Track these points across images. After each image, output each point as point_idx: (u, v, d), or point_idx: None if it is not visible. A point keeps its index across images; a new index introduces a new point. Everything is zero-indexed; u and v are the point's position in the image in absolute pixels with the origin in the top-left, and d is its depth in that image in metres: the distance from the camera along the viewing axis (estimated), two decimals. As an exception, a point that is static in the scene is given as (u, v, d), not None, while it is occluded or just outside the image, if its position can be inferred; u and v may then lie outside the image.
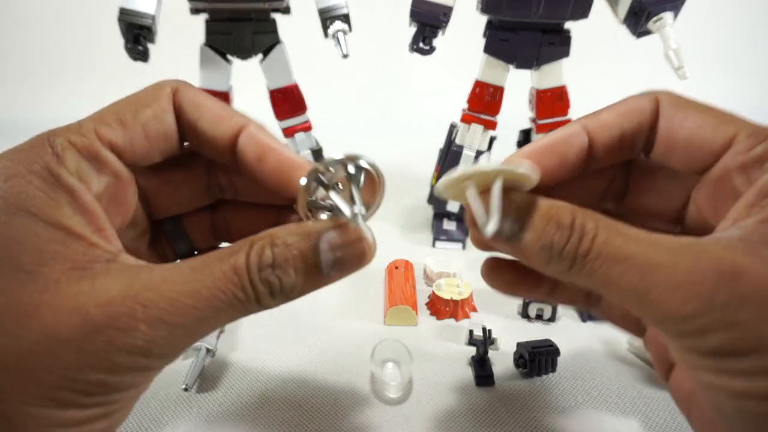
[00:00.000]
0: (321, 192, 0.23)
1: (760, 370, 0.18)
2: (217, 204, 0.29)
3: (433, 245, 0.55)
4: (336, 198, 0.22)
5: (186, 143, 0.25)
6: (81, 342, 0.18)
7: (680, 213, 0.25)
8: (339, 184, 0.22)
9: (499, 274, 0.26)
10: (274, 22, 0.50)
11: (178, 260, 0.22)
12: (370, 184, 0.23)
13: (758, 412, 0.18)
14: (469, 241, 0.54)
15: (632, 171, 0.26)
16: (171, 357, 0.20)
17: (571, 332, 0.42)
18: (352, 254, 0.22)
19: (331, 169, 0.22)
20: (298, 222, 0.22)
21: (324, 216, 0.23)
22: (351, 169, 0.22)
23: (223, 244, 0.30)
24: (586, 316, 0.43)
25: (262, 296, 0.21)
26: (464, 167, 0.21)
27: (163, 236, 0.28)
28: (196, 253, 0.29)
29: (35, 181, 0.19)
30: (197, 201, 0.28)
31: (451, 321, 0.43)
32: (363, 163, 0.22)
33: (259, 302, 0.21)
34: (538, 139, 0.24)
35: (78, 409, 0.19)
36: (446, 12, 0.46)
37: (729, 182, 0.21)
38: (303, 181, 0.22)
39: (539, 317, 0.43)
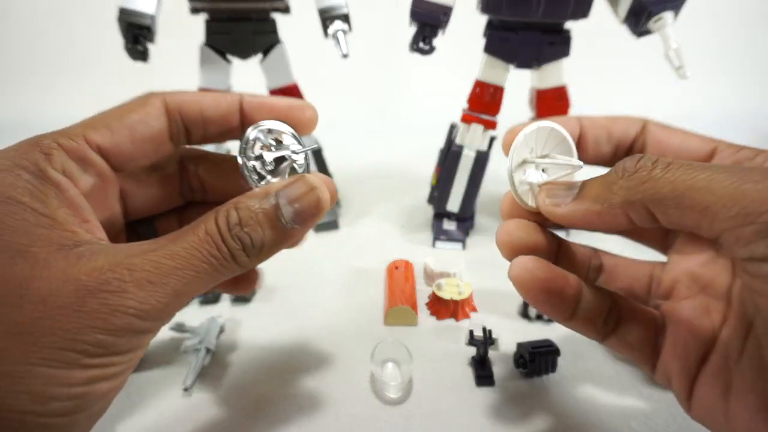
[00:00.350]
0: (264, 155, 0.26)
1: None
2: (186, 207, 0.31)
3: (433, 245, 0.55)
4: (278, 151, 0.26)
5: (182, 146, 0.27)
6: (77, 305, 0.19)
7: None
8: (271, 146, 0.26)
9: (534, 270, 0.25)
10: (273, 22, 0.50)
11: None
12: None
13: None
14: (469, 241, 0.54)
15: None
16: (162, 319, 0.22)
17: (571, 332, 0.41)
18: (309, 203, 0.25)
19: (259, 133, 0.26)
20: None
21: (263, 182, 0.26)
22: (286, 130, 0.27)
23: None
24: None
25: (237, 253, 0.23)
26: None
27: (136, 238, 0.29)
28: None
29: (24, 174, 0.21)
30: (170, 202, 0.30)
31: (451, 321, 0.43)
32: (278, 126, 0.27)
33: (235, 259, 0.23)
34: (533, 123, 0.27)
35: (81, 369, 0.20)
36: (446, 12, 0.46)
37: None
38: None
39: (539, 317, 0.43)
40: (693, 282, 0.26)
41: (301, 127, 0.27)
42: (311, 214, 0.25)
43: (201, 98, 0.27)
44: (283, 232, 0.24)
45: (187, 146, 0.29)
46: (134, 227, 0.29)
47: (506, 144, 0.27)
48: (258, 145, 0.26)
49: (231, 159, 0.30)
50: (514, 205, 0.27)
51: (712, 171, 0.19)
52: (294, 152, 0.26)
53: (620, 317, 0.26)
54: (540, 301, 0.25)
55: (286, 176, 0.26)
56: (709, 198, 0.19)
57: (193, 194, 0.30)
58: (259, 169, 0.26)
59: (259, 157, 0.26)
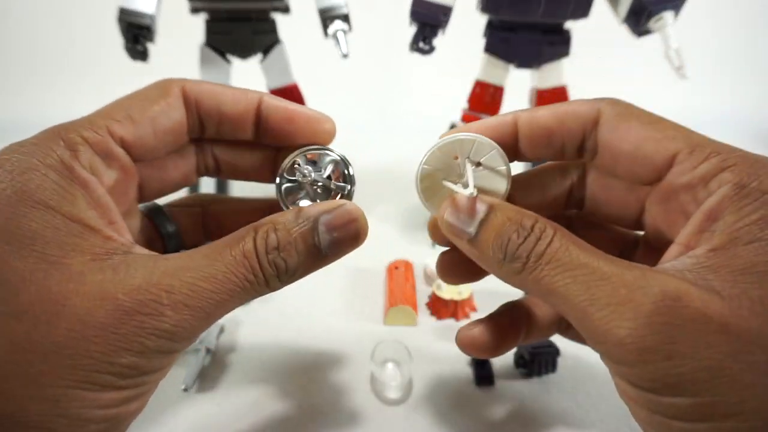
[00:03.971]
0: (305, 175, 0.26)
1: (693, 412, 0.17)
2: (209, 205, 0.30)
3: (433, 245, 0.54)
4: (326, 180, 0.26)
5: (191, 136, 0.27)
6: (114, 327, 0.19)
7: (638, 219, 0.25)
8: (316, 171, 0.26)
9: (454, 267, 0.27)
10: (273, 21, 0.50)
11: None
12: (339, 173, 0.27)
13: None
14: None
15: (587, 180, 0.26)
16: (191, 339, 0.21)
17: (571, 332, 0.42)
18: (348, 234, 0.24)
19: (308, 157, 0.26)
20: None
21: (302, 203, 0.26)
22: (334, 156, 0.26)
23: None
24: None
25: (270, 278, 0.22)
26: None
27: (153, 230, 0.29)
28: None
29: (51, 174, 0.20)
30: (184, 184, 0.29)
31: (451, 321, 0.43)
32: (334, 154, 0.26)
33: (268, 284, 0.22)
34: (470, 124, 0.25)
35: (116, 391, 0.20)
36: (446, 12, 0.46)
37: (677, 199, 0.22)
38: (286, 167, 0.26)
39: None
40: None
41: (319, 140, 0.27)
42: (348, 245, 0.24)
43: (220, 92, 0.26)
44: (318, 259, 0.23)
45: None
46: (155, 222, 0.29)
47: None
48: (301, 164, 0.26)
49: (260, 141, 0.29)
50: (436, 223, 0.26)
51: (572, 275, 0.19)
52: (338, 182, 0.26)
53: None
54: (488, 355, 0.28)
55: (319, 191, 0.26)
56: (564, 310, 0.20)
57: (207, 172, 0.29)
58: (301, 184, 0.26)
59: (299, 177, 0.26)
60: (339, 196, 0.26)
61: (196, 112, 0.25)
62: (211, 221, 0.30)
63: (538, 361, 0.36)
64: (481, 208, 0.22)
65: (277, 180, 0.25)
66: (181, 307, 0.20)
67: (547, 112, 0.24)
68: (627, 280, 0.18)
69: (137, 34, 0.45)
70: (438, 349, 0.40)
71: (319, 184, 0.26)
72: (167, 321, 0.20)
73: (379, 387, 0.36)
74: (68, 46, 0.96)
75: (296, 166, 0.26)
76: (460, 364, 0.38)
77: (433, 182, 0.25)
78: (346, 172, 0.26)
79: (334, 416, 0.34)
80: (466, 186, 0.24)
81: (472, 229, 0.22)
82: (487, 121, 0.25)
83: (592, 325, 0.19)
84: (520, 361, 0.37)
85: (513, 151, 0.25)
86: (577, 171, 0.27)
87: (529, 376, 0.37)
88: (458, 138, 0.24)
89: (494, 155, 0.24)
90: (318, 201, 0.26)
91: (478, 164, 0.25)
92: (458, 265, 0.26)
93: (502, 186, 0.25)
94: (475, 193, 0.23)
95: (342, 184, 0.26)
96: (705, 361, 0.17)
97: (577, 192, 0.27)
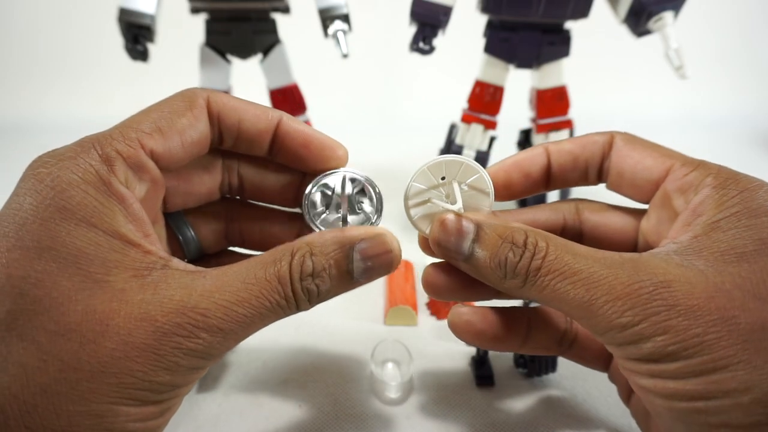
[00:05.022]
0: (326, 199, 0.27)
1: (687, 372, 0.20)
2: (231, 212, 0.31)
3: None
4: (362, 208, 0.27)
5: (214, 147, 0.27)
6: (153, 348, 0.20)
7: (633, 247, 0.28)
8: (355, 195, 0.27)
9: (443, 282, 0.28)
10: (273, 21, 0.50)
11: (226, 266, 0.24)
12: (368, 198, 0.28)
13: (688, 410, 0.20)
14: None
15: (584, 211, 0.29)
16: (220, 357, 0.23)
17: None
18: (382, 263, 0.24)
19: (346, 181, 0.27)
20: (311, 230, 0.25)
21: (328, 217, 0.27)
22: (359, 178, 0.27)
23: (235, 249, 0.32)
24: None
25: (301, 302, 0.23)
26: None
27: (172, 236, 0.29)
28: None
29: (90, 190, 0.21)
30: (208, 198, 0.29)
31: (451, 321, 0.43)
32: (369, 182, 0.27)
33: (298, 307, 0.23)
34: (505, 158, 0.28)
35: (152, 405, 0.21)
36: (446, 12, 0.46)
37: (670, 205, 0.25)
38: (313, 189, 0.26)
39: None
40: None
41: (332, 165, 0.27)
42: (380, 273, 0.25)
43: (243, 109, 0.26)
44: (349, 284, 0.24)
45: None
46: (175, 229, 0.29)
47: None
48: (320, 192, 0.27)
49: (272, 162, 0.30)
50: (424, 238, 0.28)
51: (571, 281, 0.22)
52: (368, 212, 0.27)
53: (576, 336, 0.30)
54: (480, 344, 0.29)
55: (346, 211, 0.27)
56: (568, 311, 0.22)
57: (231, 191, 0.30)
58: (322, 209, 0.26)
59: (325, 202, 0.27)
60: (367, 221, 0.27)
61: (217, 124, 0.26)
62: (234, 228, 0.31)
63: (538, 361, 0.36)
64: (469, 228, 0.24)
65: (306, 196, 0.26)
66: (216, 331, 0.21)
67: (571, 143, 0.28)
68: (622, 279, 0.21)
69: (137, 34, 0.45)
70: (438, 349, 0.40)
71: (346, 205, 0.27)
72: (201, 343, 0.21)
73: (379, 387, 0.36)
74: (68, 46, 0.96)
75: (326, 183, 0.27)
76: (460, 364, 0.38)
77: (420, 200, 0.27)
78: (373, 192, 0.27)
79: (334, 416, 0.34)
80: (454, 203, 0.26)
81: (464, 250, 0.24)
82: (522, 154, 0.28)
83: (596, 321, 0.21)
84: (520, 361, 0.37)
85: (545, 179, 0.28)
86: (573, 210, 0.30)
87: (529, 376, 0.37)
88: (447, 159, 0.26)
89: (480, 178, 0.26)
90: (345, 220, 0.27)
91: (465, 185, 0.27)
92: (448, 277, 0.27)
93: (486, 205, 0.27)
94: (462, 209, 0.25)
95: (368, 208, 0.27)
96: (694, 330, 0.20)
97: (570, 230, 0.29)
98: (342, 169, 0.27)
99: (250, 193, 0.30)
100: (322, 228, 0.26)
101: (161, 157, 0.24)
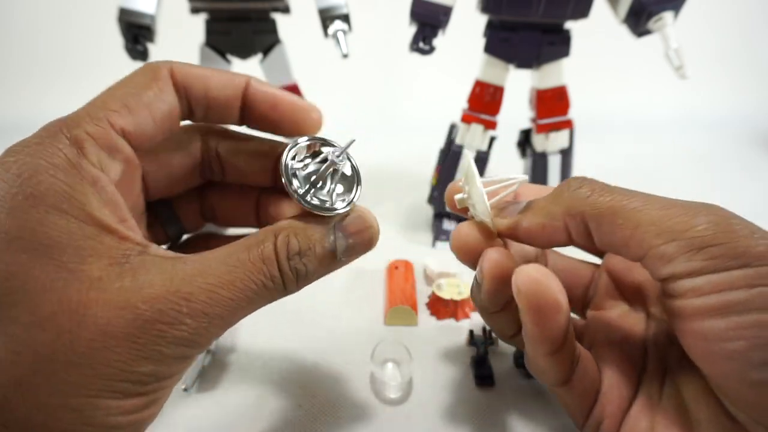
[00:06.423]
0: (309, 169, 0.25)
1: (737, 283, 0.19)
2: (204, 188, 0.30)
3: (433, 245, 0.55)
4: (337, 186, 0.25)
5: (183, 121, 0.26)
6: (134, 337, 0.19)
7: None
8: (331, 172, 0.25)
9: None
10: (273, 21, 0.50)
11: (202, 250, 0.23)
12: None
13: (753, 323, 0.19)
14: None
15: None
16: (207, 345, 0.22)
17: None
18: (362, 240, 0.24)
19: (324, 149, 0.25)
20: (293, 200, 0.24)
21: (296, 184, 0.24)
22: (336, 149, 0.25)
23: (209, 225, 0.32)
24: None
25: (289, 283, 0.22)
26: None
27: (154, 218, 0.29)
28: (185, 235, 0.31)
29: (59, 174, 0.20)
30: (189, 183, 0.29)
31: (451, 321, 0.43)
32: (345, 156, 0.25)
33: (286, 288, 0.23)
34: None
35: (136, 398, 0.20)
36: (446, 12, 0.46)
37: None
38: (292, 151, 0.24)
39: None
40: (611, 332, 0.29)
41: (305, 129, 0.27)
42: (361, 250, 0.25)
43: (208, 76, 0.25)
44: (332, 263, 0.24)
45: (206, 123, 0.28)
46: (151, 206, 0.28)
47: (449, 197, 0.29)
48: (299, 155, 0.25)
49: (252, 138, 0.29)
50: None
51: (645, 198, 0.22)
52: (336, 158, 0.25)
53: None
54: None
55: (329, 182, 0.25)
56: (640, 217, 0.21)
57: (212, 174, 0.29)
58: (301, 177, 0.24)
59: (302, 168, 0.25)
60: (348, 192, 0.25)
61: (184, 95, 0.25)
62: (207, 204, 0.30)
63: (538, 361, 0.36)
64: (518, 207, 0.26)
65: (283, 162, 0.24)
66: (200, 316, 0.20)
67: (568, 258, 0.32)
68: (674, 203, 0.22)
69: (137, 34, 0.45)
70: (438, 349, 0.40)
71: (336, 177, 0.25)
72: (186, 329, 0.20)
73: (379, 387, 0.36)
74: (68, 46, 0.96)
75: (314, 149, 0.25)
76: (460, 364, 0.38)
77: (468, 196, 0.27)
78: (352, 162, 0.26)
79: (334, 416, 0.34)
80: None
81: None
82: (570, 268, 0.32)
83: (675, 222, 0.21)
84: (520, 360, 0.37)
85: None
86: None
87: (529, 376, 0.37)
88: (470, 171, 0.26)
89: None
90: (329, 186, 0.25)
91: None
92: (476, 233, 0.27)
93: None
94: (527, 179, 0.27)
95: (339, 160, 0.25)
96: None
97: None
98: (315, 136, 0.26)
99: (232, 175, 0.29)
100: (310, 200, 0.24)
101: (133, 135, 0.23)
